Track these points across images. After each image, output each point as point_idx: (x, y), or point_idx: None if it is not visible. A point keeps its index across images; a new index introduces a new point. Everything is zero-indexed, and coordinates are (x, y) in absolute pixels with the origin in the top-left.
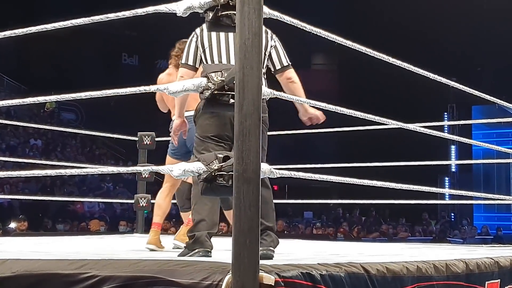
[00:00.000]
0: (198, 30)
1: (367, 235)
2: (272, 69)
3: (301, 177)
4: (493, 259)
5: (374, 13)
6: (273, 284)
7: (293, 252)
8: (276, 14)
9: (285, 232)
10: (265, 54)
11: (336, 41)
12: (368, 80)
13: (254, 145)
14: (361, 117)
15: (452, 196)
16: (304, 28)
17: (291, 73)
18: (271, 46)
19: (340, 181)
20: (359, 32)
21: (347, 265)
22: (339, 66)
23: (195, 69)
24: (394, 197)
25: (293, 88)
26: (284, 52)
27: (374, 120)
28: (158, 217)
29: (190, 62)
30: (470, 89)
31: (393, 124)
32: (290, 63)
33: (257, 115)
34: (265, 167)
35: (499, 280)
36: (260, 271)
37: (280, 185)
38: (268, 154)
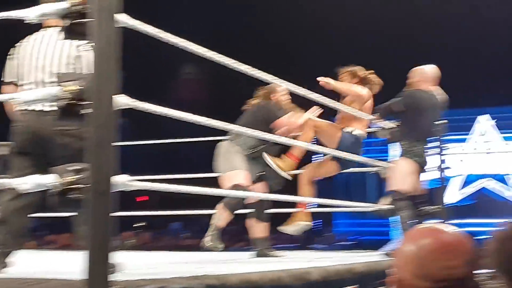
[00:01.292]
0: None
1: (233, 245)
2: None
3: (159, 189)
4: (349, 266)
5: (245, 24)
6: None
7: (155, 266)
8: (133, 24)
9: (150, 244)
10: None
11: (196, 52)
12: (238, 89)
13: (107, 156)
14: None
15: (319, 205)
16: (160, 39)
17: None
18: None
19: (198, 193)
20: (230, 42)
21: (203, 277)
22: (209, 75)
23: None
24: None
25: None
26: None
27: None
28: None
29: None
30: (332, 101)
31: (260, 135)
32: None
33: (112, 126)
34: (121, 179)
35: (355, 286)
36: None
37: (152, 196)
38: (135, 164)
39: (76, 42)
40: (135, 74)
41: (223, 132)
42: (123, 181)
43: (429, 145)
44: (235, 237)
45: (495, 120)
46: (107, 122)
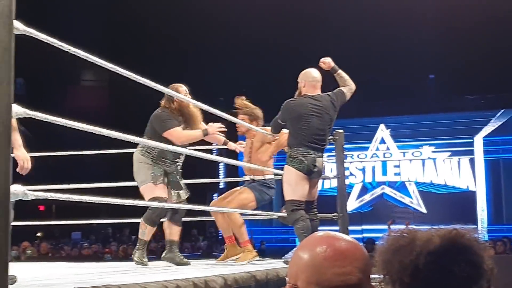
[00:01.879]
0: None
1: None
2: None
3: (57, 198)
4: (250, 273)
5: (140, 28)
6: None
7: (55, 276)
8: (30, 31)
9: (50, 254)
10: None
11: (91, 60)
12: (138, 97)
13: (3, 166)
14: (129, 140)
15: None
16: (59, 47)
17: None
18: None
19: (93, 201)
20: (131, 50)
21: (104, 287)
22: (110, 83)
23: None
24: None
25: None
26: None
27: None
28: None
29: None
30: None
31: (162, 146)
32: None
33: (7, 135)
34: (18, 189)
35: None
36: None
37: (47, 205)
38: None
39: None
40: (33, 82)
41: (125, 142)
42: (21, 191)
43: (330, 153)
44: None
45: (389, 129)
46: (3, 131)
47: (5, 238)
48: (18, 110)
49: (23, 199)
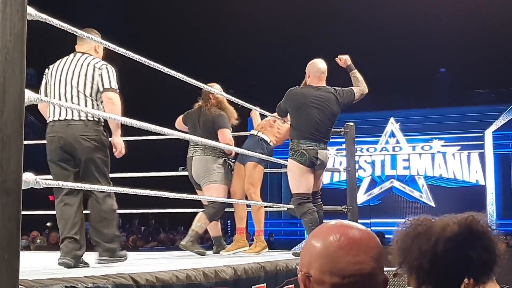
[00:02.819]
0: None
1: (145, 245)
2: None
3: (69, 186)
4: (259, 264)
5: (147, 16)
6: None
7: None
8: (44, 17)
9: (59, 244)
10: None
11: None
12: (155, 87)
13: (15, 154)
14: (135, 126)
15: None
16: (74, 32)
17: (112, 95)
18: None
19: (112, 191)
20: (132, 37)
21: (115, 276)
22: (122, 73)
23: None
24: (173, 206)
25: (109, 108)
26: (113, 77)
27: (148, 130)
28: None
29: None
30: (244, 102)
31: (166, 133)
32: (114, 88)
33: (19, 122)
34: (29, 177)
35: (265, 284)
36: (20, 286)
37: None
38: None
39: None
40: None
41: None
42: (33, 179)
43: (340, 146)
44: (147, 237)
45: (399, 123)
46: (16, 118)
47: (16, 227)
48: (31, 96)
49: (34, 187)
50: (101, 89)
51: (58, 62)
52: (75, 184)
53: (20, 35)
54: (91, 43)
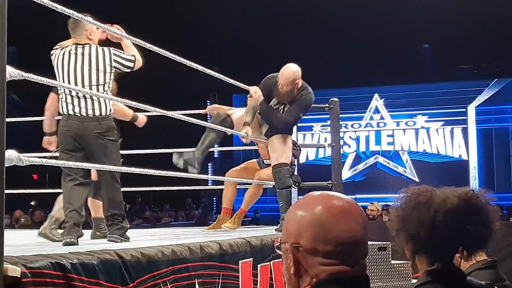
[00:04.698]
0: None
1: (130, 223)
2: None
3: (53, 164)
4: (245, 239)
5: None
6: (19, 276)
7: (45, 245)
8: None
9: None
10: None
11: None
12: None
13: None
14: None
15: (214, 182)
16: (61, 11)
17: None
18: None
19: (95, 168)
20: (125, 17)
21: (100, 252)
22: None
23: None
24: (159, 184)
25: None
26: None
27: (136, 107)
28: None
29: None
30: (230, 79)
31: (156, 111)
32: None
33: (2, 98)
34: (12, 154)
35: (251, 259)
36: (4, 263)
37: (41, 174)
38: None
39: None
40: (26, 51)
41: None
42: (16, 156)
43: (325, 123)
44: (132, 215)
45: (383, 99)
46: None
47: (0, 204)
48: (12, 72)
49: (18, 164)
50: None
51: (60, 53)
52: (66, 162)
53: (1, 11)
54: (83, 31)
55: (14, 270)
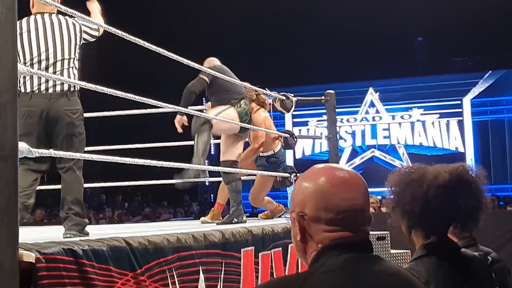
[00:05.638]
0: None
1: (131, 219)
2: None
3: (61, 155)
4: (246, 228)
5: None
6: (33, 261)
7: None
8: None
9: (45, 221)
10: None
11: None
12: (129, 63)
13: (11, 121)
14: (124, 97)
15: (211, 176)
16: (58, 7)
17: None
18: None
19: (96, 159)
20: (121, 14)
21: (109, 239)
22: (99, 51)
23: None
24: (157, 179)
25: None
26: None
27: (135, 100)
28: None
29: None
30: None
31: (154, 104)
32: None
33: (14, 91)
34: (22, 146)
35: (253, 247)
36: (19, 249)
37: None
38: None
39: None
40: None
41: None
42: (26, 148)
43: (320, 118)
44: (132, 212)
45: (378, 93)
46: (10, 87)
47: (14, 192)
48: (22, 68)
49: (28, 156)
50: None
51: (21, 24)
52: (69, 153)
53: (11, 8)
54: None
55: (29, 256)
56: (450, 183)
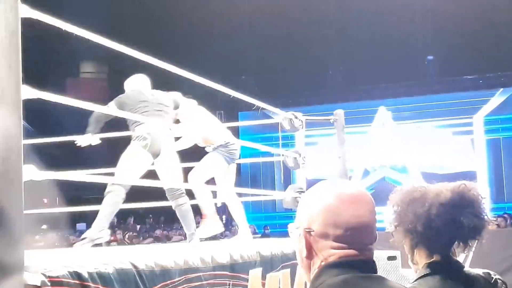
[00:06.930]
0: None
1: (142, 241)
2: None
3: (68, 179)
4: (255, 250)
5: (142, 12)
6: (39, 285)
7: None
8: (36, 14)
9: (56, 244)
10: None
11: (101, 43)
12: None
13: (15, 146)
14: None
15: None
16: (66, 29)
17: None
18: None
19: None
20: (127, 35)
21: (116, 262)
22: (109, 75)
23: None
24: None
25: None
26: None
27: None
28: None
29: None
30: (238, 93)
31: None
32: None
33: (18, 115)
34: (29, 168)
35: (261, 268)
36: (25, 271)
37: (51, 197)
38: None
39: None
40: (31, 74)
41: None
42: (32, 171)
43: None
44: (144, 234)
45: (389, 111)
46: (15, 111)
47: (20, 214)
48: (28, 91)
49: (33, 179)
50: None
51: None
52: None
53: (15, 32)
54: None
55: (34, 279)
56: (452, 201)
